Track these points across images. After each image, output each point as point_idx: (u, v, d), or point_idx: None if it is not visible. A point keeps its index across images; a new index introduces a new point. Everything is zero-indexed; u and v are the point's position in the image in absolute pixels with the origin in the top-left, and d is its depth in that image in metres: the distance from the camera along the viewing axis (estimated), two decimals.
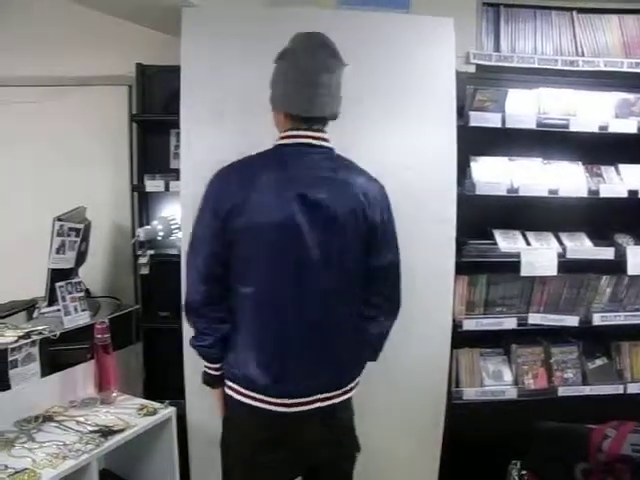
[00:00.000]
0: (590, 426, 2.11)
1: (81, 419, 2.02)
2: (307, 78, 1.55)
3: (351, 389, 1.70)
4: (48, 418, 2.02)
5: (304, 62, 1.55)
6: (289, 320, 1.57)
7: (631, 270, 2.48)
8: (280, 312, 1.57)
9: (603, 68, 2.65)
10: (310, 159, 1.59)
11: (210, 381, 1.71)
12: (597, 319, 2.53)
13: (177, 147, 2.64)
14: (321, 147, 1.61)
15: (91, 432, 1.93)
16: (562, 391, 2.51)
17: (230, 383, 1.64)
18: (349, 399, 1.71)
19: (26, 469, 1.69)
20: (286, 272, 1.56)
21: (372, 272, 1.67)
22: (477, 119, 2.38)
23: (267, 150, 1.65)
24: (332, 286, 1.58)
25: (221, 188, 1.60)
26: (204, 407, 2.25)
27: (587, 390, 2.53)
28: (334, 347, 1.62)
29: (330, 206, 1.55)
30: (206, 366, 1.69)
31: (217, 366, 1.66)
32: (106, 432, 1.93)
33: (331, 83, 1.57)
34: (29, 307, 2.46)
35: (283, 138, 1.62)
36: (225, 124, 2.19)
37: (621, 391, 2.54)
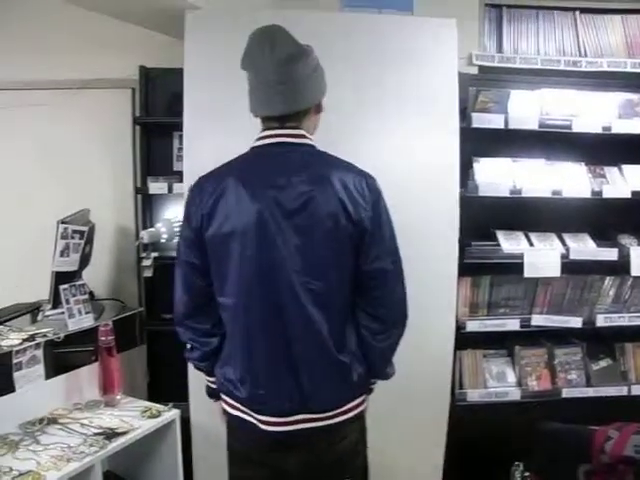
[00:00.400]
0: (593, 427, 2.10)
1: (85, 421, 2.03)
2: (263, 77, 1.45)
3: (343, 412, 1.51)
4: (52, 420, 2.03)
5: (258, 61, 1.46)
6: (263, 334, 1.46)
7: (635, 271, 2.47)
8: (254, 325, 1.47)
9: (606, 68, 2.65)
10: (283, 158, 1.48)
11: (210, 393, 1.68)
12: (601, 320, 2.52)
13: (180, 149, 2.65)
14: (295, 144, 1.50)
15: (95, 434, 1.94)
16: (566, 392, 2.50)
17: (222, 395, 1.59)
18: (343, 425, 1.52)
19: (30, 471, 1.70)
20: (257, 282, 1.44)
21: (363, 277, 1.50)
22: (480, 120, 2.38)
23: (240, 155, 1.57)
24: (311, 297, 1.44)
25: (193, 198, 1.52)
26: (208, 409, 2.26)
27: (591, 392, 2.52)
28: (311, 364, 1.47)
29: (304, 207, 1.43)
30: (205, 378, 1.66)
31: (213, 379, 1.62)
32: (110, 434, 1.94)
33: (294, 75, 1.44)
34: (33, 310, 2.47)
35: (256, 140, 1.54)
36: (228, 126, 2.19)
37: (625, 392, 2.53)
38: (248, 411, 1.51)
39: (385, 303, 1.53)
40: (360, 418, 1.60)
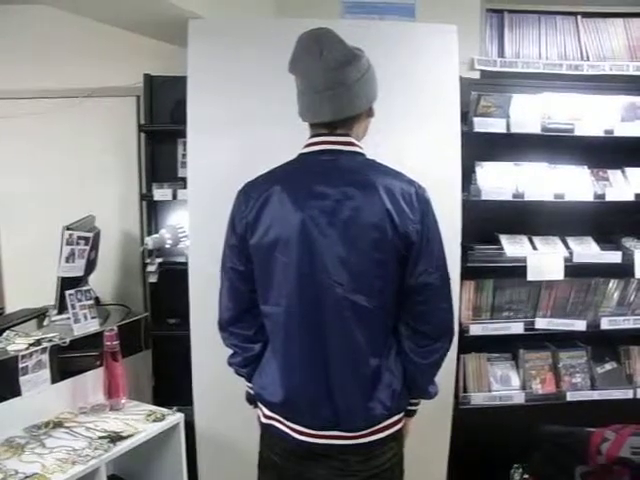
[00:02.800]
0: (590, 429, 2.10)
1: (90, 425, 2.05)
2: (312, 82, 1.40)
3: (377, 431, 1.45)
4: (58, 424, 2.05)
5: (306, 66, 1.41)
6: (301, 346, 1.44)
7: (639, 273, 2.46)
8: (293, 336, 1.44)
9: (608, 72, 2.66)
10: (330, 166, 1.44)
11: (249, 399, 1.66)
12: (605, 323, 2.52)
13: (184, 156, 2.67)
14: (343, 152, 1.46)
15: (100, 438, 1.95)
16: (570, 396, 2.50)
17: (258, 402, 1.58)
18: (376, 443, 1.45)
19: (36, 474, 1.71)
20: (299, 293, 1.41)
21: (408, 291, 1.44)
22: (482, 125, 2.39)
23: (288, 161, 1.52)
24: (353, 311, 1.40)
25: (238, 205, 1.50)
26: (212, 413, 2.28)
27: (596, 395, 2.51)
28: (346, 383, 1.43)
29: (350, 217, 1.38)
30: (245, 384, 1.65)
31: (252, 385, 1.59)
32: (115, 438, 1.95)
33: (343, 81, 1.39)
34: (40, 315, 2.50)
35: (304, 147, 1.50)
36: (231, 133, 2.22)
37: (631, 396, 2.52)
38: (282, 420, 1.49)
39: (430, 319, 1.46)
40: (396, 439, 1.51)
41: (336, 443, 1.44)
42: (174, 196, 2.64)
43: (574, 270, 2.46)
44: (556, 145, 2.51)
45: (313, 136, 1.48)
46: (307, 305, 1.41)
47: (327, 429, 1.44)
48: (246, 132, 2.21)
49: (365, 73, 1.43)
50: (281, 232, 1.41)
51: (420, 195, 1.44)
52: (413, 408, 1.57)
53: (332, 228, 1.39)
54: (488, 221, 2.51)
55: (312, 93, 1.41)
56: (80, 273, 2.40)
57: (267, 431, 1.55)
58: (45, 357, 2.08)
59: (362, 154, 1.49)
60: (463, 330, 2.42)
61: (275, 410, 1.50)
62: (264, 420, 1.55)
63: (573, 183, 2.50)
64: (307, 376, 1.44)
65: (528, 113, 2.45)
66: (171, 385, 2.59)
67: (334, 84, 1.39)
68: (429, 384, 1.53)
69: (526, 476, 2.13)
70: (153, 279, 2.66)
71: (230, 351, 1.61)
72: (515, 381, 2.54)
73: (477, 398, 2.48)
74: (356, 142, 1.48)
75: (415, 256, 1.42)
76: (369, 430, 1.44)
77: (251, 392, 1.61)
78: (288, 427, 1.48)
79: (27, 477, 1.70)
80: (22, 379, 2.00)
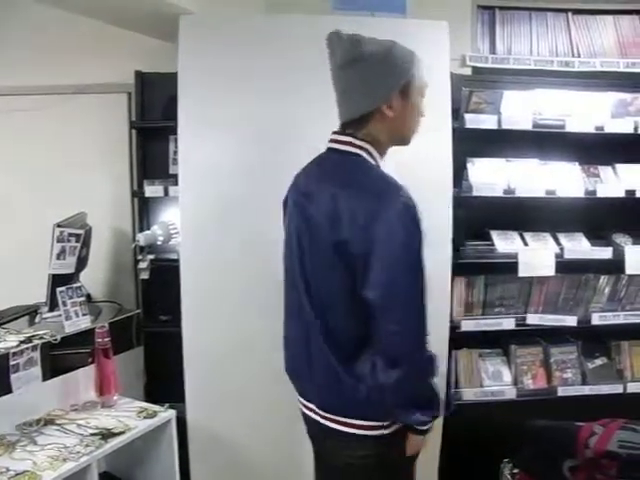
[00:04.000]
0: (578, 424, 2.11)
1: (82, 422, 2.04)
2: (333, 82, 1.48)
3: (345, 424, 1.46)
4: (49, 421, 2.04)
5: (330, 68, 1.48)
6: (294, 323, 1.58)
7: (629, 269, 2.48)
8: (289, 314, 1.62)
9: (599, 68, 2.67)
10: (324, 165, 1.50)
11: None
12: (596, 319, 2.53)
13: (176, 153, 2.65)
14: (339, 151, 1.48)
15: (91, 435, 1.95)
16: (562, 391, 2.51)
17: None
18: (347, 436, 1.46)
19: (27, 471, 1.71)
20: (288, 283, 1.58)
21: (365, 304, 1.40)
22: (473, 121, 2.39)
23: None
24: (320, 312, 1.46)
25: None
26: (204, 410, 2.29)
27: (587, 390, 2.53)
28: (318, 366, 1.49)
29: (317, 220, 1.43)
30: None
31: None
32: (106, 435, 1.95)
33: (348, 82, 1.44)
34: (31, 312, 2.49)
35: None
36: (222, 130, 2.21)
37: (621, 390, 2.54)
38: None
39: (380, 337, 1.40)
40: (375, 445, 1.47)
41: (315, 418, 1.53)
42: (166, 193, 2.63)
43: (565, 266, 2.47)
44: (547, 141, 2.52)
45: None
46: (292, 295, 1.55)
47: (309, 401, 1.56)
48: (237, 128, 2.21)
49: (372, 72, 1.42)
50: (287, 227, 1.57)
51: (376, 207, 1.35)
52: (417, 427, 1.46)
53: (307, 230, 1.47)
54: (479, 217, 2.52)
55: (335, 94, 1.49)
56: (71, 270, 2.39)
57: None
58: (36, 354, 2.08)
59: (358, 155, 1.46)
60: (455, 326, 2.43)
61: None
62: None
63: (564, 179, 2.51)
64: (298, 353, 1.55)
65: (519, 109, 2.45)
66: (163, 382, 2.59)
67: (342, 85, 1.45)
68: (403, 408, 1.43)
69: (515, 471, 2.14)
70: (145, 276, 2.65)
71: None
72: (507, 376, 2.56)
73: (469, 394, 2.49)
74: (356, 142, 1.46)
75: (360, 267, 1.37)
76: (336, 418, 1.47)
77: None
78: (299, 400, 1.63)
79: (18, 474, 1.70)
80: (13, 376, 1.99)
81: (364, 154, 1.47)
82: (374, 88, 1.44)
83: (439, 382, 2.33)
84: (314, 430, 1.60)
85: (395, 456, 1.50)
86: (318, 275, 1.46)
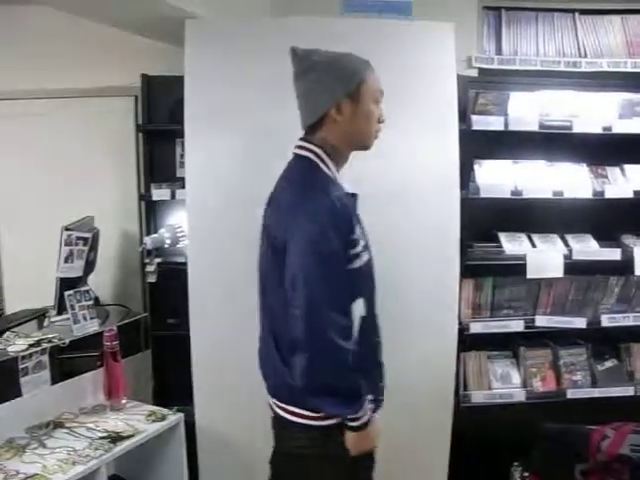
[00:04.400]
0: (590, 427, 2.10)
1: (91, 425, 2.05)
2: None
3: (285, 410, 1.53)
4: (58, 424, 2.05)
5: None
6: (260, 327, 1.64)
7: (639, 270, 2.46)
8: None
9: (606, 69, 2.66)
10: (285, 170, 1.58)
11: None
12: (605, 320, 2.52)
13: (183, 156, 2.66)
14: (294, 155, 1.57)
15: (101, 438, 1.96)
16: (571, 393, 2.49)
17: None
18: (288, 424, 1.53)
19: (36, 474, 1.72)
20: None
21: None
22: (479, 123, 2.39)
23: None
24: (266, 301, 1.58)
25: None
26: (212, 413, 2.28)
27: (596, 392, 2.50)
28: (268, 349, 1.59)
29: (266, 225, 1.56)
30: None
31: None
32: (115, 438, 1.96)
33: (299, 91, 1.56)
34: (40, 316, 2.51)
35: None
36: (229, 133, 2.22)
37: (632, 393, 2.51)
38: None
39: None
40: (311, 436, 1.51)
41: (273, 411, 1.59)
42: (173, 196, 2.64)
43: (573, 267, 2.46)
44: (554, 142, 2.51)
45: None
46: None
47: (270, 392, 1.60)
48: (243, 132, 2.21)
49: (317, 80, 1.52)
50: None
51: (301, 222, 1.42)
52: (346, 423, 1.47)
53: (262, 227, 1.57)
54: (487, 219, 2.51)
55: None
56: (79, 273, 2.40)
57: None
58: (45, 358, 2.09)
59: (306, 157, 1.53)
60: (463, 328, 2.42)
61: None
62: None
63: (572, 180, 2.50)
64: (260, 349, 1.64)
65: (526, 110, 2.44)
66: (171, 385, 2.60)
67: (297, 94, 1.56)
68: (311, 395, 1.46)
69: (526, 474, 2.13)
70: (152, 279, 2.66)
71: None
72: (515, 379, 2.54)
73: (477, 396, 2.48)
74: (308, 146, 1.54)
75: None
76: (280, 404, 1.54)
77: None
78: None
79: (28, 477, 1.71)
80: (22, 380, 2.01)
81: (313, 157, 1.53)
82: (321, 94, 1.52)
83: (448, 383, 2.36)
84: (274, 423, 1.62)
85: (334, 452, 1.50)
86: (267, 277, 1.55)
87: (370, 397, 1.51)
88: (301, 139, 1.57)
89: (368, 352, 1.56)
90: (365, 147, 1.61)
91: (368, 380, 1.51)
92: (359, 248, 1.49)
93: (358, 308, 1.51)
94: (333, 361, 1.41)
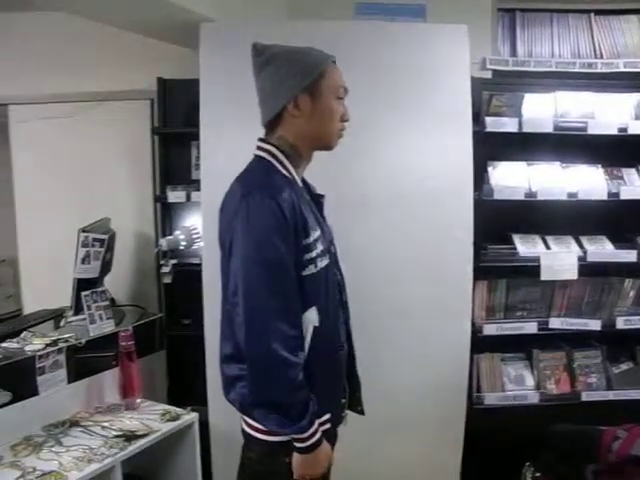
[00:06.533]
0: (602, 428, 2.08)
1: (106, 424, 2.07)
2: None
3: (244, 421, 1.47)
4: (74, 423, 2.08)
5: None
6: None
7: None
8: None
9: (622, 69, 2.62)
10: (239, 173, 1.51)
11: None
12: (621, 323, 2.49)
13: (198, 158, 2.69)
14: (254, 155, 1.52)
15: (115, 437, 1.98)
16: (585, 396, 2.48)
17: None
18: (246, 435, 1.47)
19: (53, 471, 1.74)
20: None
21: None
22: (493, 124, 2.38)
23: None
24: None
25: None
26: (226, 413, 2.28)
27: (611, 395, 2.49)
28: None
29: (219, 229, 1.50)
30: None
31: None
32: (130, 437, 1.97)
33: (258, 88, 1.50)
34: (57, 316, 2.54)
35: None
36: (244, 135, 2.21)
37: None
38: None
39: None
40: (261, 450, 1.44)
41: None
42: (188, 198, 2.67)
43: (588, 269, 2.45)
44: (569, 144, 2.49)
45: None
46: None
47: None
48: (258, 134, 2.22)
49: (271, 75, 1.45)
50: None
51: (240, 206, 1.37)
52: (294, 443, 1.37)
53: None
54: (501, 221, 2.50)
55: None
56: (95, 274, 2.43)
57: None
58: (62, 357, 2.12)
59: (261, 157, 1.49)
60: (477, 330, 2.42)
61: None
62: None
63: (586, 182, 2.48)
64: None
65: (540, 112, 2.43)
66: (185, 385, 2.62)
67: (257, 91, 1.50)
68: (250, 405, 1.41)
69: (538, 474, 2.12)
70: (167, 280, 2.68)
71: None
72: (529, 381, 2.53)
73: (491, 398, 2.47)
74: (264, 145, 1.49)
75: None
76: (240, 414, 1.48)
77: None
78: None
79: (45, 474, 1.73)
80: (39, 379, 2.03)
81: (268, 157, 1.47)
82: (277, 88, 1.45)
83: (461, 385, 2.36)
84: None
85: (281, 471, 1.41)
86: (223, 281, 1.48)
87: (326, 417, 1.43)
88: (259, 138, 1.51)
89: (328, 365, 1.46)
90: (327, 147, 1.51)
91: (325, 397, 1.42)
92: (314, 253, 1.40)
93: (311, 318, 1.40)
94: (276, 374, 1.32)
